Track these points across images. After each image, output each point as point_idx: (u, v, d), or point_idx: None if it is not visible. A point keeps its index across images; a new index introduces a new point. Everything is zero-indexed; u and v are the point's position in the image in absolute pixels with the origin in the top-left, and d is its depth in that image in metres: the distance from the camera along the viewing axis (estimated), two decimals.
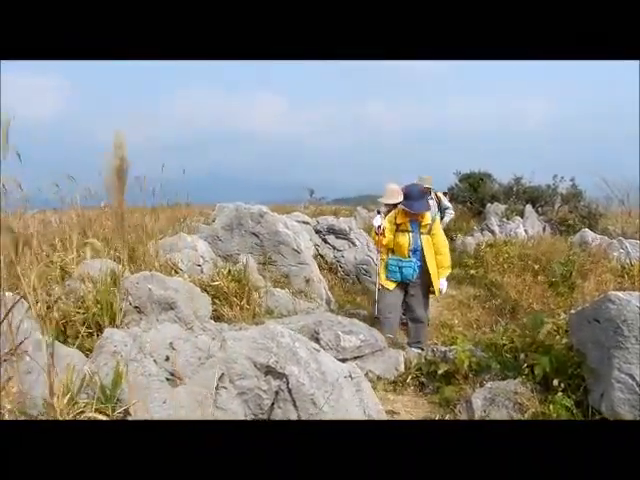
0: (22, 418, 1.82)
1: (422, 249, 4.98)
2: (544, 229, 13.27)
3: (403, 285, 5.10)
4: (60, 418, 1.83)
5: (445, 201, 7.58)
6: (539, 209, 15.17)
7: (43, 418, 1.86)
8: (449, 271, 5.19)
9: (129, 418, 1.95)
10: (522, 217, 13.54)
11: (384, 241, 5.09)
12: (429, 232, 5.02)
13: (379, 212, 5.26)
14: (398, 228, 5.02)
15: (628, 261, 7.50)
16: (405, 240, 4.98)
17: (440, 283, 5.05)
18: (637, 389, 2.98)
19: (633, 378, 3.00)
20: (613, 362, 3.10)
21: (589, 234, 10.12)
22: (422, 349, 4.74)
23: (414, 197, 4.99)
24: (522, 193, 16.07)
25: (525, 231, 12.53)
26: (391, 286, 5.08)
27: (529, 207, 14.20)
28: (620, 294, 3.20)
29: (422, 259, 5.01)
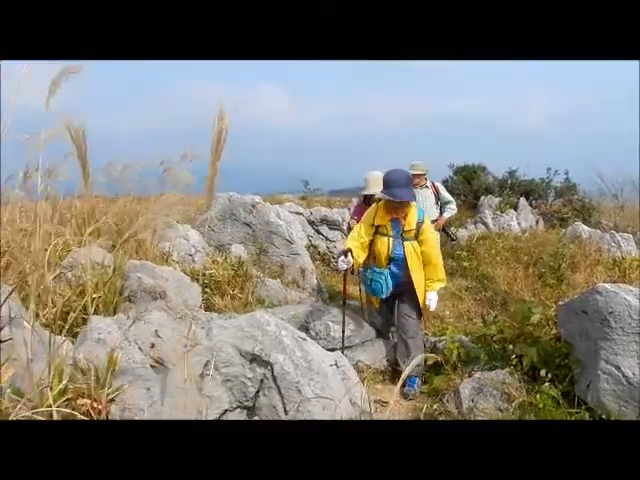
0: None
1: (405, 258, 3.93)
2: (537, 222, 13.31)
3: (390, 297, 4.17)
4: (53, 407, 1.84)
5: (445, 193, 6.33)
6: (533, 202, 15.22)
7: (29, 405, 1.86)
8: (442, 285, 4.14)
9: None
10: (516, 210, 13.58)
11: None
12: (416, 238, 3.94)
13: (347, 253, 3.85)
14: (377, 230, 3.95)
15: (619, 254, 7.54)
16: (383, 246, 3.93)
17: (428, 297, 3.99)
18: (623, 380, 3.00)
19: (619, 369, 3.03)
20: (600, 353, 3.13)
21: (582, 227, 10.17)
22: (416, 375, 3.98)
23: (398, 184, 3.79)
24: (516, 186, 16.11)
25: (519, 224, 12.58)
26: (376, 302, 4.29)
27: (523, 200, 14.24)
28: (607, 286, 3.22)
29: (405, 270, 3.98)
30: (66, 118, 3.65)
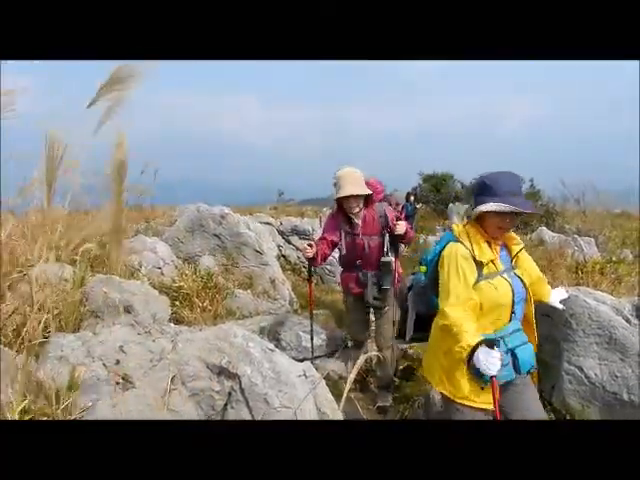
0: None
1: (526, 300, 2.52)
2: None
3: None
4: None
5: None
6: None
7: None
8: None
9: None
10: None
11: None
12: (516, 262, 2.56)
13: (492, 345, 2.16)
14: (480, 272, 2.37)
15: (582, 258, 7.76)
16: (505, 288, 2.39)
17: (558, 296, 2.81)
18: (585, 380, 3.10)
19: (581, 370, 3.13)
20: (563, 355, 3.22)
21: (546, 232, 10.44)
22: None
23: (514, 190, 2.37)
24: None
25: None
26: (488, 406, 2.33)
27: None
28: (569, 289, 3.32)
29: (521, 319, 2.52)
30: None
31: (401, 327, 2.84)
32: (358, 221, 3.81)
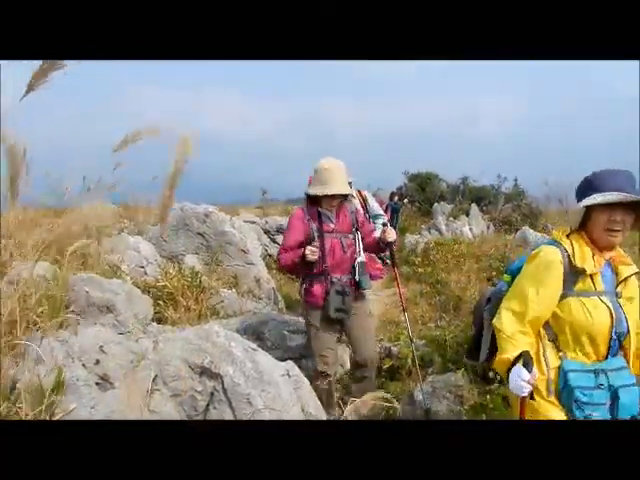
0: None
1: (628, 332, 2.02)
2: (488, 227, 13.74)
3: None
4: None
5: (374, 203, 4.59)
6: (484, 208, 15.72)
7: None
8: None
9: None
10: (468, 216, 13.97)
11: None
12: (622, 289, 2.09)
13: (527, 364, 1.89)
14: (571, 285, 2.01)
15: None
16: (601, 313, 1.98)
17: None
18: None
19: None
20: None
21: (529, 232, 10.56)
22: None
23: (624, 188, 1.95)
24: (468, 193, 16.62)
25: (470, 229, 12.94)
26: None
27: (474, 206, 14.67)
28: None
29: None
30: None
31: (472, 345, 2.45)
32: (333, 218, 3.37)
